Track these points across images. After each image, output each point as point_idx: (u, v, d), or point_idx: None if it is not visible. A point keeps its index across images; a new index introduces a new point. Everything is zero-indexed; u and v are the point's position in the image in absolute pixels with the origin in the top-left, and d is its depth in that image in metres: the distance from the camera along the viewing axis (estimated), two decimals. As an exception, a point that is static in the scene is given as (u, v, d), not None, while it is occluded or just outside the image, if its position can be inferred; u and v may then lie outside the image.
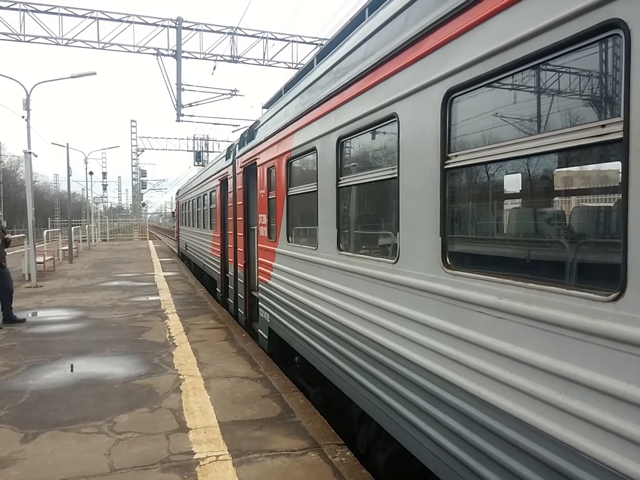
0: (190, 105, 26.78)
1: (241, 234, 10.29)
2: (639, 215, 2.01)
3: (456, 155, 3.17)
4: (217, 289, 14.11)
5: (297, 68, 21.89)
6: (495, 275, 2.83)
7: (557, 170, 3.03)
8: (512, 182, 3.32)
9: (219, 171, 13.40)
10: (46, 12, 22.55)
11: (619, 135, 2.09)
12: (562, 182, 3.12)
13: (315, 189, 5.64)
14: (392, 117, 3.91)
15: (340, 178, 4.99)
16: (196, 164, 48.70)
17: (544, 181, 3.12)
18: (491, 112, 3.04)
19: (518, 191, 3.41)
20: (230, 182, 11.66)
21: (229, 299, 12.04)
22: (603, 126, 2.18)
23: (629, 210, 2.06)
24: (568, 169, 3.03)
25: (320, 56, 6.06)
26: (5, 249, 10.89)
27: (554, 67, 2.57)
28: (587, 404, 2.23)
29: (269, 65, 26.31)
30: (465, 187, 3.56)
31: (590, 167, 2.95)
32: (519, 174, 3.25)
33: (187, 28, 24.87)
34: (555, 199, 3.35)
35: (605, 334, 2.15)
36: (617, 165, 2.20)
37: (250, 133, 9.50)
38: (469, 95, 3.10)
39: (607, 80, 2.40)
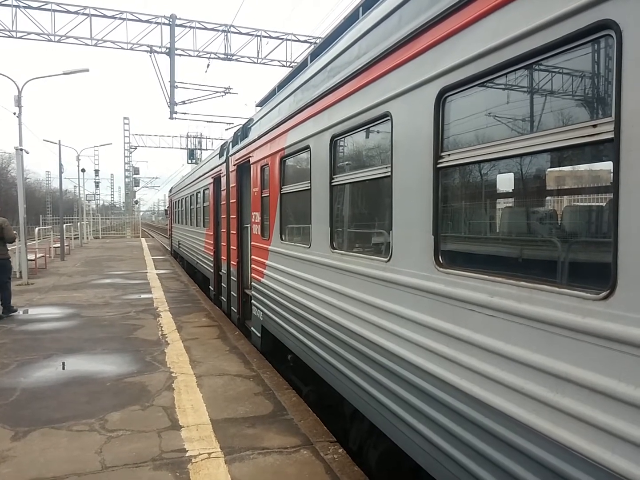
0: (183, 102, 26.68)
1: (234, 232, 10.28)
2: (630, 214, 2.03)
3: (449, 155, 3.18)
4: (210, 287, 14.08)
5: (291, 66, 21.85)
6: (487, 274, 2.85)
7: (549, 169, 3.05)
8: (505, 182, 3.34)
9: (213, 169, 13.37)
10: (38, 8, 22.38)
11: (610, 135, 2.11)
12: (553, 181, 3.14)
13: (309, 188, 5.64)
14: (386, 116, 3.92)
15: (334, 176, 4.99)
16: (189, 161, 48.52)
17: (536, 180, 3.14)
18: (484, 112, 3.06)
19: (510, 190, 3.43)
20: (223, 180, 11.64)
21: (222, 297, 12.03)
22: (594, 126, 2.19)
23: (620, 209, 2.07)
24: (560, 168, 3.06)
25: (314, 55, 6.06)
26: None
27: (547, 67, 2.59)
28: (578, 402, 2.24)
29: (263, 64, 26.28)
30: (457, 186, 3.57)
31: (582, 167, 2.97)
32: (511, 174, 3.27)
33: (181, 25, 24.76)
34: (547, 198, 3.37)
35: (596, 332, 2.16)
36: (608, 165, 2.22)
37: (244, 131, 9.49)
38: (462, 94, 3.11)
39: (598, 81, 2.42)
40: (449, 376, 3.12)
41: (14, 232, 11.27)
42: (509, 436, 2.62)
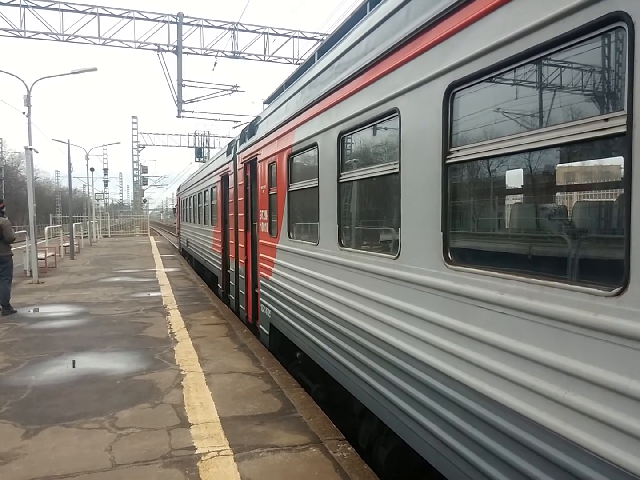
0: (191, 101, 26.74)
1: (242, 230, 10.28)
2: (642, 209, 2.00)
3: (458, 150, 3.16)
4: (218, 285, 14.12)
5: (298, 63, 21.81)
6: (497, 271, 2.82)
7: (559, 165, 3.02)
8: (514, 177, 3.30)
9: (220, 167, 13.38)
10: (46, 7, 22.49)
11: (622, 130, 2.08)
12: (564, 177, 3.11)
13: (317, 185, 5.62)
14: (394, 112, 3.90)
15: (342, 173, 4.97)
16: (197, 160, 48.61)
17: (546, 176, 3.11)
18: (493, 107, 3.03)
19: (520, 186, 3.40)
20: (231, 178, 11.65)
21: (230, 295, 12.05)
22: (606, 120, 2.16)
23: (632, 205, 2.04)
24: (570, 163, 3.02)
25: (322, 51, 6.04)
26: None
27: (557, 61, 2.56)
28: (589, 400, 2.22)
29: (270, 61, 26.25)
30: (466, 182, 3.54)
31: (593, 162, 2.93)
32: (521, 169, 3.23)
33: (188, 23, 24.80)
34: (557, 194, 3.33)
35: (607, 329, 2.14)
36: (619, 160, 2.19)
37: (251, 129, 9.48)
38: (471, 89, 3.08)
39: (609, 74, 2.38)
40: (459, 374, 3.10)
41: (14, 233, 11.61)
42: (519, 434, 2.60)
